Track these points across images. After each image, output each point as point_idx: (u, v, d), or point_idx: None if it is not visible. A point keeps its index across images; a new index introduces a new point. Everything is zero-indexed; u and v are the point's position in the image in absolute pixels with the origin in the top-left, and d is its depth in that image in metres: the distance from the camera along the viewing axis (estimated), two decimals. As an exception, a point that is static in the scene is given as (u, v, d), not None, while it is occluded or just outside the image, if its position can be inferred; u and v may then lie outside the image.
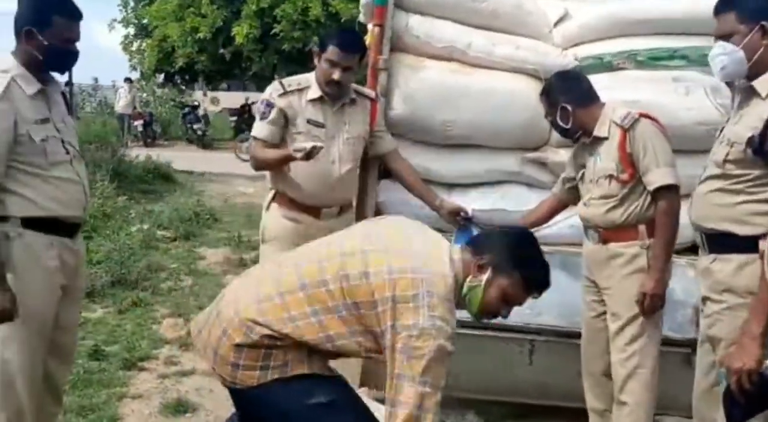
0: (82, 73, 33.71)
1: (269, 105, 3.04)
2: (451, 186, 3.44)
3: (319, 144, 2.81)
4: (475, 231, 3.15)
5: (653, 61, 3.29)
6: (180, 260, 6.28)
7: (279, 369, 1.98)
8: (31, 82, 2.40)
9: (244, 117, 18.49)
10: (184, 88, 21.47)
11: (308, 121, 3.02)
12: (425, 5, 3.30)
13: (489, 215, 3.26)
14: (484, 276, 2.01)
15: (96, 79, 25.94)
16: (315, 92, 3.03)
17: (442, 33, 3.29)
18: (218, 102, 23.52)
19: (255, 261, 6.18)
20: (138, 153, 10.75)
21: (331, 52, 2.94)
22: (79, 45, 2.48)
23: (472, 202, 3.29)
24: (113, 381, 3.66)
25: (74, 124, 2.64)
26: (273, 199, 3.14)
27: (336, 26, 15.32)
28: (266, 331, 1.96)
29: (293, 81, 3.11)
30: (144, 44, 18.51)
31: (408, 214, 3.38)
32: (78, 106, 19.85)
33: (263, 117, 3.05)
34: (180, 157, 12.50)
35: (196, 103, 19.27)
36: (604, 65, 3.32)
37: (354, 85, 3.12)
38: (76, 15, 2.45)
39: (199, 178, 11.84)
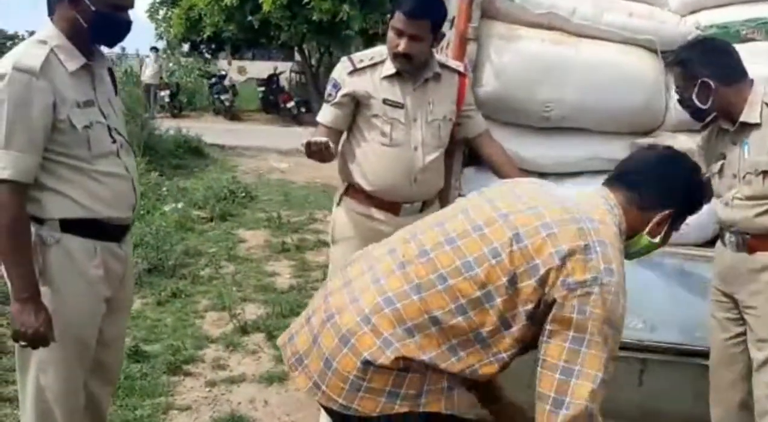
0: (106, 42, 33.31)
1: (335, 85, 2.60)
2: (543, 175, 2.97)
3: (324, 140, 2.38)
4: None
5: (790, 30, 2.79)
6: (218, 243, 5.89)
7: (410, 400, 1.52)
8: (74, 55, 1.96)
9: (272, 87, 18.04)
10: (209, 57, 21.08)
11: (384, 102, 2.56)
12: (522, -35, 2.81)
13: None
14: (663, 230, 1.68)
15: (123, 49, 25.55)
16: (390, 67, 2.57)
17: (541, -3, 2.80)
18: (245, 71, 23.09)
19: (298, 246, 5.84)
20: (167, 125, 10.32)
21: (396, 18, 2.48)
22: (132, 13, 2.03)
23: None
24: (157, 390, 3.28)
25: (121, 106, 2.20)
26: (345, 192, 2.71)
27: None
28: (406, 349, 1.51)
29: (365, 55, 2.64)
30: (171, 12, 18.12)
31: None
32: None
33: (328, 99, 2.61)
34: (208, 129, 12.10)
35: (223, 73, 18.80)
36: (731, 35, 2.81)
37: (439, 57, 2.65)
38: None
39: (230, 152, 11.44)
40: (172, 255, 5.23)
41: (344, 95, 2.56)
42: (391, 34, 2.50)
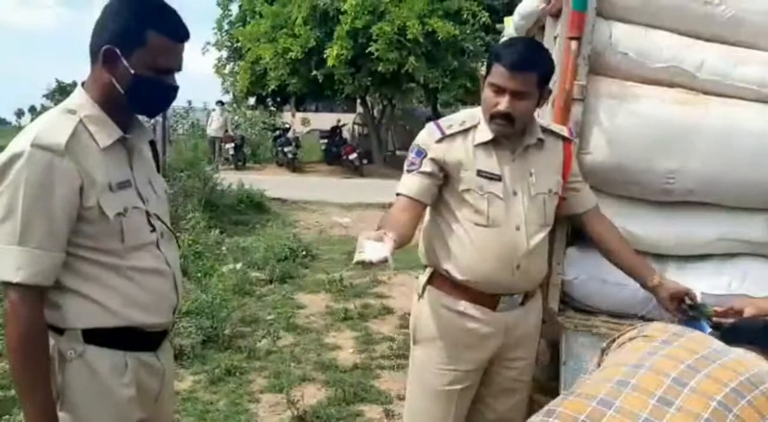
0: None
1: (419, 153, 2.17)
2: (660, 258, 2.49)
3: (386, 256, 1.78)
4: (707, 326, 2.20)
5: None
6: (277, 310, 5.52)
7: None
8: (108, 127, 1.61)
9: (334, 139, 17.98)
10: (274, 109, 21.26)
11: (479, 174, 2.14)
12: (636, 11, 2.38)
13: (722, 301, 2.28)
14: None
15: (189, 102, 26.08)
16: (486, 133, 2.15)
17: (660, 48, 2.36)
18: (309, 123, 23.19)
19: (361, 313, 5.42)
20: (229, 180, 10.17)
21: (495, 72, 2.06)
22: (178, 77, 1.66)
23: (697, 282, 2.33)
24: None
25: (165, 186, 1.83)
26: (429, 281, 2.27)
27: (433, 46, 14.71)
28: None
29: (454, 120, 2.22)
30: (237, 67, 18.36)
31: (606, 296, 2.50)
32: (171, 129, 19.78)
33: (411, 168, 2.18)
34: (271, 182, 11.92)
35: (287, 126, 18.85)
36: None
37: (541, 121, 2.23)
38: (181, 33, 1.63)
39: (292, 206, 11.19)
40: (227, 323, 4.87)
41: (432, 160, 2.15)
42: (488, 92, 2.09)
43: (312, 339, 4.88)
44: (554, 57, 2.33)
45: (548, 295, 2.43)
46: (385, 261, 1.76)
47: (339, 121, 18.85)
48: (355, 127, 20.72)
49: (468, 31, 15.10)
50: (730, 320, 2.17)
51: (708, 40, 2.38)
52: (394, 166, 18.27)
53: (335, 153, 17.49)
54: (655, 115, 2.31)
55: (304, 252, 7.33)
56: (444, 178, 2.17)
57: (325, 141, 18.30)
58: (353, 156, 16.32)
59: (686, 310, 2.23)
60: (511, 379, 2.32)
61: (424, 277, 2.29)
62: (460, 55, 15.43)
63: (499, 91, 2.05)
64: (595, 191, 2.41)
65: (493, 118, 2.09)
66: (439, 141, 2.16)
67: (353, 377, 4.18)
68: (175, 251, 1.78)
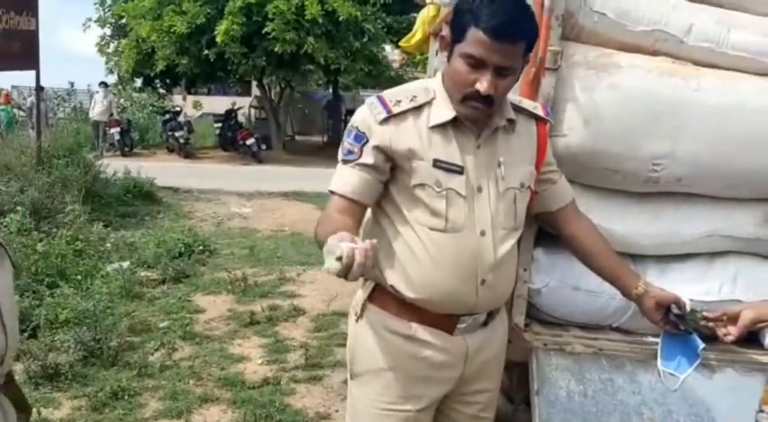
0: (55, 78, 32.01)
1: (359, 138, 1.67)
2: (639, 259, 2.11)
3: (364, 249, 1.36)
4: (700, 342, 1.86)
5: None
6: (171, 315, 4.86)
7: None
8: None
9: (229, 123, 17.10)
10: (163, 92, 20.04)
11: (435, 164, 1.66)
12: (615, -36, 1.97)
13: (712, 308, 1.93)
14: None
15: (72, 84, 24.18)
16: (444, 112, 1.67)
17: (643, 8, 1.96)
18: (201, 106, 22.09)
19: (269, 316, 4.88)
20: (115, 167, 9.21)
21: (473, 39, 1.57)
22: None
23: (683, 287, 1.97)
24: None
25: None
26: (369, 298, 1.78)
27: (334, 26, 14.16)
28: None
29: (402, 94, 1.71)
30: (121, 45, 17.04)
31: (577, 306, 2.10)
32: (52, 112, 18.22)
33: (347, 158, 1.68)
34: (161, 169, 11.02)
35: (177, 109, 17.75)
36: None
37: (512, 97, 1.77)
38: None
39: (185, 196, 10.36)
40: (113, 334, 4.21)
41: (376, 149, 1.65)
42: (460, 64, 1.59)
43: (214, 350, 4.28)
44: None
45: (513, 308, 2.00)
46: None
47: (234, 104, 17.93)
48: (252, 110, 19.85)
49: (369, 12, 14.61)
50: (725, 330, 1.83)
51: (697, 0, 2.00)
52: (294, 152, 17.62)
53: (230, 138, 16.61)
54: (641, 88, 1.92)
55: (200, 248, 6.65)
56: (390, 170, 1.68)
57: (219, 125, 17.33)
58: (251, 141, 15.53)
59: (675, 322, 1.86)
60: (471, 417, 1.87)
61: (362, 293, 1.79)
62: (361, 37, 14.93)
63: (478, 64, 1.57)
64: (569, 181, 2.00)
65: (466, 99, 1.61)
66: (384, 121, 1.66)
67: (264, 394, 3.64)
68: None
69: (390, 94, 1.72)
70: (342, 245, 1.34)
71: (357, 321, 1.80)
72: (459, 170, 1.66)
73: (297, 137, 19.96)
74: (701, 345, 1.86)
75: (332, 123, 19.23)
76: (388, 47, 16.99)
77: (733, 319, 1.82)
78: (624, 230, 2.04)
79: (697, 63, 1.98)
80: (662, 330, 1.93)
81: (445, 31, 1.75)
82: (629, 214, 2.04)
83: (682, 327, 1.86)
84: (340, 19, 13.82)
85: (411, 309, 1.71)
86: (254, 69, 15.12)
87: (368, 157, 1.65)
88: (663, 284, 2.03)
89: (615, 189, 2.04)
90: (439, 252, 1.65)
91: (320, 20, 13.57)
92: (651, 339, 2.00)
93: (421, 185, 1.65)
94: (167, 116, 17.08)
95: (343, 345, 4.40)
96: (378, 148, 1.65)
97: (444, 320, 1.72)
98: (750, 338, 1.92)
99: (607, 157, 1.94)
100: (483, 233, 1.68)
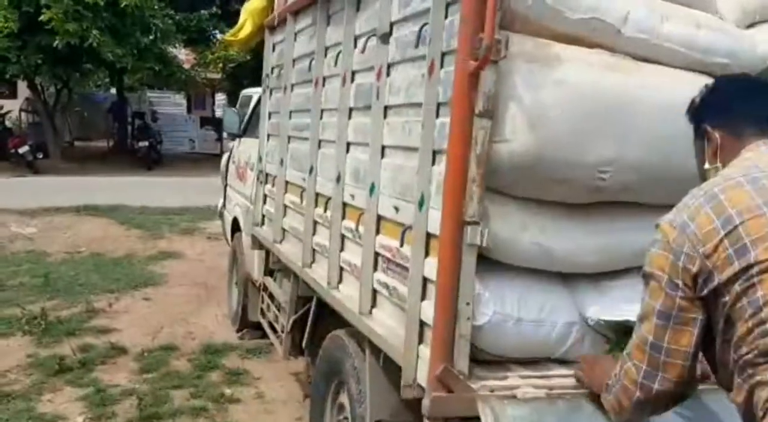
0: None
1: None
2: (573, 278, 1.87)
3: None
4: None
5: None
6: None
7: None
8: None
9: (-2, 128, 15.05)
10: None
11: None
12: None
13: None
14: None
15: None
16: None
17: (580, -5, 1.70)
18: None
19: (83, 360, 4.09)
20: None
21: None
22: None
23: (626, 305, 1.76)
24: None
25: None
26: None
27: (119, 20, 12.92)
28: None
29: None
30: None
31: (521, 339, 1.80)
32: None
33: None
34: None
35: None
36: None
37: None
38: None
39: (-51, 217, 8.77)
40: None
41: None
42: None
43: (19, 411, 3.45)
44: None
45: (454, 352, 1.65)
46: None
47: (1, 107, 15.82)
48: (23, 114, 17.68)
49: (156, 7, 13.54)
50: None
51: (629, -15, 1.79)
52: (75, 159, 15.89)
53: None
54: (588, 84, 1.67)
55: (-21, 280, 5.56)
56: None
57: (-16, 131, 15.21)
58: (24, 149, 13.77)
59: None
60: None
61: None
62: (148, 33, 13.80)
63: None
64: (500, 195, 1.70)
65: None
66: None
67: (95, 464, 2.96)
68: None
69: None
70: None
71: None
72: None
73: (76, 143, 18.22)
74: None
75: (118, 127, 17.74)
76: (176, 48, 15.99)
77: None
78: (561, 249, 1.78)
79: (633, 56, 1.77)
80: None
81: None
82: (566, 230, 1.79)
83: None
84: (126, 9, 12.60)
85: None
86: (27, 67, 13.37)
87: None
88: (601, 304, 1.83)
89: (552, 201, 1.77)
90: None
91: (101, 4, 12.23)
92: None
93: None
94: None
95: (181, 387, 3.87)
96: None
97: None
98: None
99: (553, 164, 1.66)
100: None
